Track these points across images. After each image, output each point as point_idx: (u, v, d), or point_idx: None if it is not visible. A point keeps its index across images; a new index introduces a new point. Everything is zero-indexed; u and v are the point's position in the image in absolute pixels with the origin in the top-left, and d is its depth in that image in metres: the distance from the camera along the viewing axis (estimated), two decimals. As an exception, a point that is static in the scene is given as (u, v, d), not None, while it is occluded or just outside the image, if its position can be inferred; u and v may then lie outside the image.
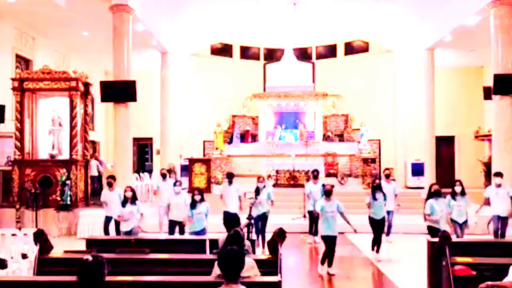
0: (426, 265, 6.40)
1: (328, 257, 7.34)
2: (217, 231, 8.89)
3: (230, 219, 8.88)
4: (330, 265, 7.37)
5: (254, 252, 6.15)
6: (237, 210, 9.20)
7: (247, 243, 5.27)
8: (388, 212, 9.39)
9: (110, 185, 9.21)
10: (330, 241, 7.28)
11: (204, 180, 13.83)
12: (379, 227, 8.41)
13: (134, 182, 13.54)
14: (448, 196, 7.86)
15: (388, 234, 9.80)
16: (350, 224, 7.41)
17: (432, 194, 7.38)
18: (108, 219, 9.05)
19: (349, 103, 19.22)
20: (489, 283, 3.37)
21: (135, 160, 19.08)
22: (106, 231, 9.00)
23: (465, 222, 8.00)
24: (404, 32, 16.65)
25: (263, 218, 8.98)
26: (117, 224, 8.46)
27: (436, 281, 5.72)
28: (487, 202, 8.86)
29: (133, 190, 8.01)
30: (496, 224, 8.72)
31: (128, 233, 7.77)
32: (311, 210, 9.60)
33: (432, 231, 7.18)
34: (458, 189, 7.96)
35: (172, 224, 8.86)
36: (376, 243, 8.41)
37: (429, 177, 14.89)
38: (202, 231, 7.74)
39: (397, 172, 17.21)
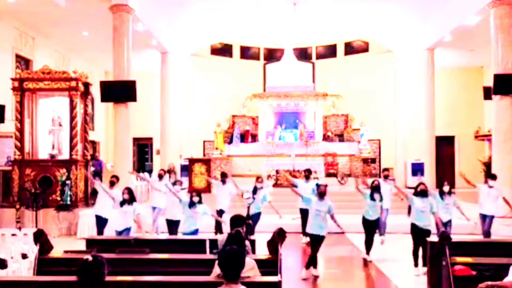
0: (426, 265, 6.40)
1: (312, 256, 7.18)
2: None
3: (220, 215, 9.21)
4: (314, 266, 7.21)
5: (254, 252, 6.14)
6: (226, 208, 9.55)
7: (247, 243, 5.26)
8: (386, 210, 9.37)
9: (112, 184, 9.21)
10: (315, 240, 7.22)
11: (204, 180, 13.82)
12: (371, 228, 8.35)
13: (134, 182, 13.54)
14: (435, 194, 7.90)
15: (383, 233, 9.63)
16: (339, 226, 7.36)
17: (418, 194, 7.39)
18: (98, 219, 9.01)
19: (349, 103, 19.23)
20: (489, 283, 3.36)
21: (135, 160, 19.09)
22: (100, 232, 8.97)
23: (450, 221, 8.03)
24: (404, 32, 16.66)
25: (256, 218, 9.01)
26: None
27: (436, 281, 5.72)
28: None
29: (130, 192, 8.01)
30: (487, 224, 8.78)
31: (121, 233, 7.77)
32: (302, 207, 9.53)
33: (414, 228, 7.26)
34: (446, 188, 8.01)
35: (169, 224, 8.88)
36: (368, 244, 8.31)
37: (429, 177, 14.90)
38: (195, 232, 7.73)
39: (397, 172, 17.22)
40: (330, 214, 7.27)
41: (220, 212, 9.44)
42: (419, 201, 7.28)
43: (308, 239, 9.49)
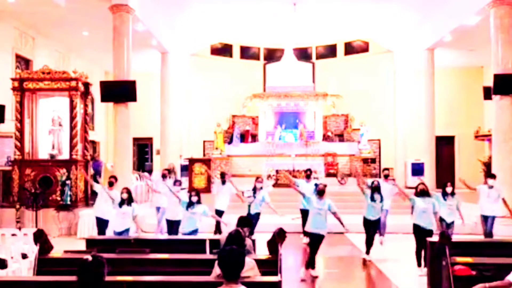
0: (426, 265, 6.40)
1: (310, 256, 7.16)
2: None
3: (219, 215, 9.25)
4: (313, 266, 7.19)
5: (255, 252, 6.14)
6: (225, 208, 9.62)
7: (248, 242, 5.26)
8: (385, 210, 9.35)
9: (111, 184, 9.19)
10: (315, 239, 7.20)
11: (204, 180, 13.82)
12: (372, 228, 8.34)
13: (134, 182, 13.54)
14: (438, 195, 7.89)
15: (382, 233, 9.62)
16: (342, 224, 7.31)
17: (418, 194, 7.39)
18: (99, 221, 8.99)
19: (349, 103, 19.22)
20: (487, 285, 3.36)
21: (135, 160, 19.07)
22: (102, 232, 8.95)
23: (453, 222, 8.02)
24: (404, 32, 16.66)
25: (255, 218, 9.01)
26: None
27: (436, 281, 5.72)
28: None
29: (129, 192, 7.97)
30: (488, 224, 8.73)
31: (120, 234, 7.74)
32: (302, 208, 9.57)
33: (416, 228, 7.26)
34: (449, 189, 8.00)
35: (169, 224, 8.89)
36: (368, 244, 8.31)
37: (429, 177, 14.89)
38: (194, 232, 7.71)
39: (397, 172, 17.22)
40: (332, 212, 7.25)
41: (219, 213, 9.41)
42: (420, 202, 7.29)
43: (308, 239, 9.52)
